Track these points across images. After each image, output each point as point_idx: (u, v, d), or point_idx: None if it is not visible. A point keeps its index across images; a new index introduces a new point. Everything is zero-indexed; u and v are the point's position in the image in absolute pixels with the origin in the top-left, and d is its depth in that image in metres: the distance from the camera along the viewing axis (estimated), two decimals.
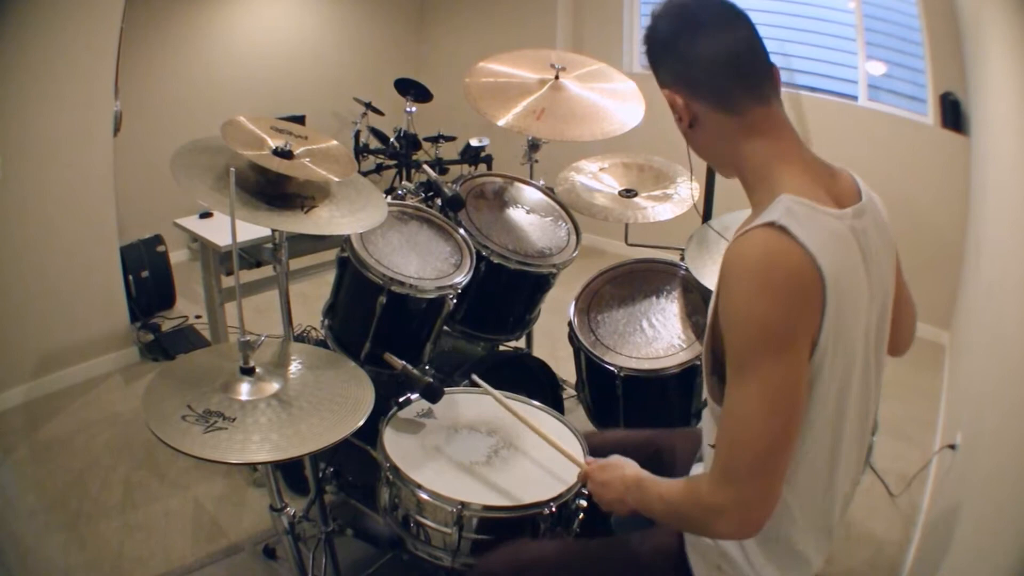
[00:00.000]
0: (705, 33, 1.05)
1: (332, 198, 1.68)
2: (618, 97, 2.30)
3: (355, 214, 1.66)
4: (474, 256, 1.96)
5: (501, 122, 2.15)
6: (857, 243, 1.02)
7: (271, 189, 1.60)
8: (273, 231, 1.64)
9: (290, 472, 2.22)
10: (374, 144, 4.82)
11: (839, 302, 0.97)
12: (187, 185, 1.49)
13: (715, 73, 1.05)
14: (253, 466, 2.34)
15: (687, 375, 1.93)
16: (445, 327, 2.01)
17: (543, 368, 2.19)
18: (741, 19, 1.05)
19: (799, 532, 1.12)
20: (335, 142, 1.77)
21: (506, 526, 1.38)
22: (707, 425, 1.20)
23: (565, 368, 2.29)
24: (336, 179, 1.64)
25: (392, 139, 4.67)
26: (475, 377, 1.60)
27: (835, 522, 1.17)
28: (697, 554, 1.22)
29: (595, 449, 1.53)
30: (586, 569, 1.28)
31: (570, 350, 2.07)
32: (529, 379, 2.12)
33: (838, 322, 0.98)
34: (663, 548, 1.26)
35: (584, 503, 1.45)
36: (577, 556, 1.31)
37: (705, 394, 1.17)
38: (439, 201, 2.07)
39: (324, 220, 1.60)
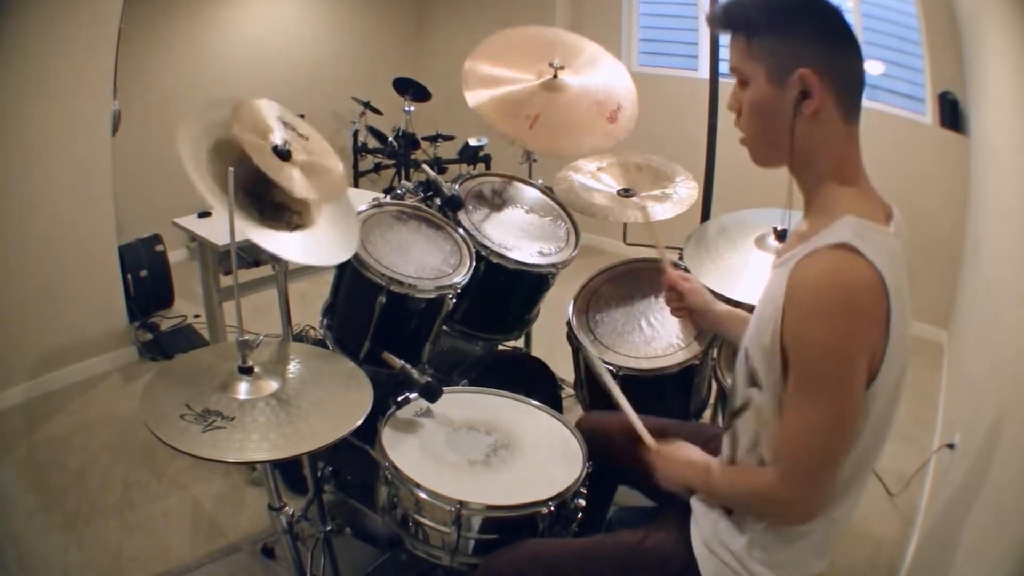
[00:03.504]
0: (853, 43, 1.06)
1: (314, 217, 1.63)
2: (616, 94, 2.30)
3: (327, 245, 1.61)
4: (473, 256, 1.96)
5: (481, 110, 2.17)
6: (904, 259, 1.06)
7: (260, 188, 1.55)
8: None
9: (289, 471, 2.22)
10: (372, 143, 4.82)
11: (897, 316, 1.01)
12: (190, 164, 1.44)
13: (854, 79, 1.06)
14: (252, 465, 2.34)
15: (685, 374, 1.93)
16: (444, 327, 2.01)
17: (541, 367, 2.19)
18: None
19: (831, 528, 1.18)
20: (337, 163, 1.69)
21: (505, 525, 1.38)
22: (746, 428, 1.21)
23: (563, 367, 2.29)
24: (315, 199, 1.58)
25: (390, 138, 4.67)
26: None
27: None
28: (704, 550, 1.23)
29: (596, 432, 1.56)
30: (591, 566, 1.28)
31: (568, 349, 2.07)
32: (527, 378, 2.12)
33: (895, 334, 1.02)
34: (668, 543, 1.28)
35: (583, 502, 1.45)
36: (581, 553, 1.31)
37: (739, 402, 1.20)
38: (438, 201, 2.07)
39: (298, 246, 1.54)
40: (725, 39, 1.13)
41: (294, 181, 1.54)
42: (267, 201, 1.57)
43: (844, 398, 1.02)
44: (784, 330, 1.05)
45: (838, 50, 1.05)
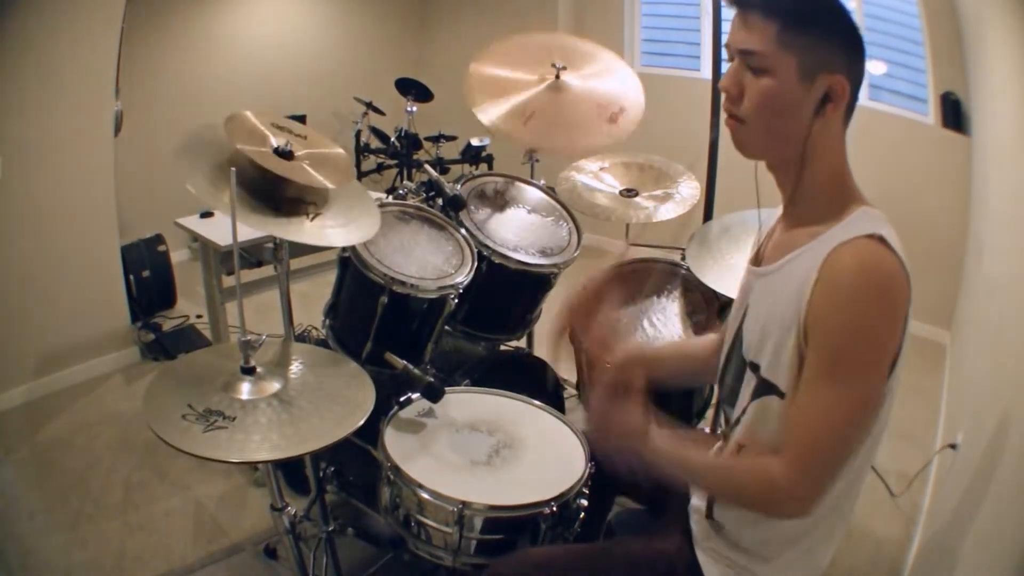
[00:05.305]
0: (865, 59, 1.06)
1: (329, 205, 1.66)
2: (617, 92, 2.30)
3: (348, 225, 1.65)
4: (475, 256, 1.96)
5: (486, 120, 2.17)
6: None
7: (271, 189, 1.59)
8: None
9: (291, 472, 2.22)
10: (375, 144, 4.83)
11: (911, 309, 1.02)
12: (190, 178, 1.48)
13: (859, 91, 1.05)
14: (254, 466, 2.34)
15: None
16: (446, 327, 2.01)
17: (544, 368, 2.19)
18: None
19: (837, 528, 1.18)
20: (338, 148, 1.74)
21: (507, 526, 1.38)
22: (758, 417, 1.17)
23: (566, 368, 2.29)
24: (331, 186, 1.62)
25: (393, 139, 4.67)
26: None
27: None
28: (707, 555, 1.23)
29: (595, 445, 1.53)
30: (597, 573, 1.27)
31: (571, 350, 2.06)
32: (530, 379, 2.11)
33: (909, 326, 1.02)
34: (672, 549, 1.27)
35: (585, 503, 1.45)
36: (587, 560, 1.30)
37: (748, 395, 1.17)
38: (440, 201, 2.07)
39: (317, 230, 1.59)
40: (725, 28, 1.13)
41: (308, 173, 1.58)
42: (282, 199, 1.59)
43: (870, 384, 1.01)
44: (809, 322, 1.02)
45: (860, 64, 1.04)
